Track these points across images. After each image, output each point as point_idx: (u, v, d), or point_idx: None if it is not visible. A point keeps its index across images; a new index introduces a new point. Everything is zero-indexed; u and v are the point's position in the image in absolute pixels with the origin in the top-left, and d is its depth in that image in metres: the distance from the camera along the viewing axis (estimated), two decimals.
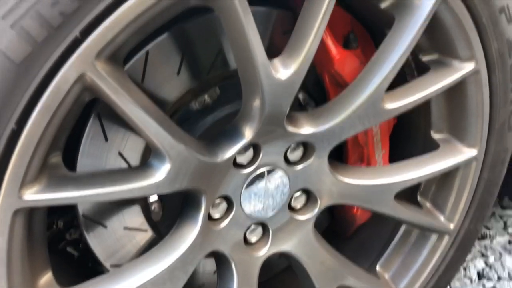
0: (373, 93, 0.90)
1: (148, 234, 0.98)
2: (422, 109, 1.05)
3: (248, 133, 0.86)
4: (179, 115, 0.95)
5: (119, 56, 0.69)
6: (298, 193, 0.99)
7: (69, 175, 0.72)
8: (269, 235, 0.98)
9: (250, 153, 0.90)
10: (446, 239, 1.14)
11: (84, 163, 0.87)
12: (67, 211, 1.12)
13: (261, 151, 0.89)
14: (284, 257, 1.02)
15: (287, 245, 1.00)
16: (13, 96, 0.61)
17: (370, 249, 1.19)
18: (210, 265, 1.09)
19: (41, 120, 0.63)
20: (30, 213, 0.71)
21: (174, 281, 0.84)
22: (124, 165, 0.91)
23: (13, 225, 0.66)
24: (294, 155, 0.95)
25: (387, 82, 0.90)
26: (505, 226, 1.61)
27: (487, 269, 1.45)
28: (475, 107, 1.02)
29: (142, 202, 0.96)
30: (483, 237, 1.57)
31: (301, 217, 1.00)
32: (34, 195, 0.66)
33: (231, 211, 0.92)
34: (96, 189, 0.71)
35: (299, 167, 0.95)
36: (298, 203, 1.01)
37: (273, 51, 0.94)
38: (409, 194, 1.14)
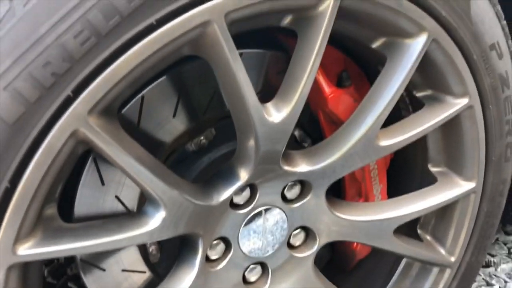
0: (368, 131, 0.90)
1: (146, 275, 0.98)
2: (419, 143, 1.05)
3: (243, 175, 0.86)
4: (175, 157, 0.96)
5: (112, 108, 0.70)
6: (296, 231, 0.99)
7: (64, 226, 0.73)
8: (268, 273, 0.98)
9: (246, 193, 0.90)
10: (448, 272, 1.13)
11: (81, 208, 0.88)
12: None
13: (257, 191, 0.90)
14: None
15: (287, 283, 0.99)
16: (6, 155, 0.62)
17: (372, 283, 1.18)
18: None
19: (35, 177, 0.64)
20: (25, 265, 0.71)
21: None
22: (121, 208, 0.91)
23: (8, 280, 0.66)
24: (291, 193, 0.95)
25: (381, 120, 0.90)
26: (509, 253, 1.59)
27: None
28: (471, 141, 1.02)
29: (140, 244, 0.96)
30: (487, 264, 1.55)
31: (300, 255, 0.99)
32: (29, 250, 0.67)
33: (229, 252, 0.92)
34: (91, 240, 0.71)
35: (297, 204, 0.95)
36: (297, 241, 1.00)
37: (267, 91, 0.96)
38: (408, 227, 1.13)
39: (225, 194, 0.86)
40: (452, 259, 1.11)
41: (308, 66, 0.79)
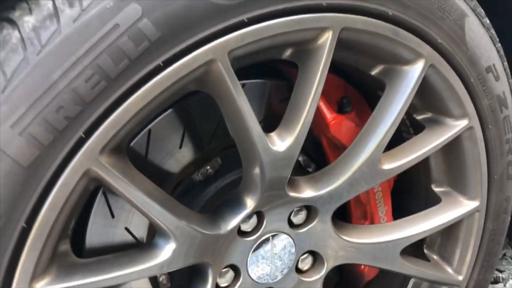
0: (371, 155, 0.92)
1: None
2: (421, 164, 1.06)
3: (250, 203, 0.88)
4: (183, 187, 0.97)
5: (122, 145, 0.72)
6: (304, 255, 1.00)
7: (78, 262, 0.74)
8: None
9: (253, 220, 0.92)
10: None
11: (92, 241, 0.89)
12: None
13: (264, 218, 0.91)
14: None
15: None
16: (22, 197, 0.64)
17: None
18: None
19: (50, 216, 0.66)
20: None
21: None
22: (131, 239, 0.93)
23: None
24: (297, 218, 0.96)
25: (383, 144, 0.92)
26: None
27: None
28: (473, 161, 1.03)
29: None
30: (496, 281, 1.55)
31: (308, 279, 1.00)
32: (45, 287, 0.68)
33: (239, 279, 0.93)
34: (104, 274, 0.73)
35: (304, 230, 0.96)
36: (305, 265, 1.01)
37: (269, 119, 0.98)
38: (415, 248, 1.14)
39: (233, 222, 0.87)
40: (460, 278, 1.12)
41: (310, 97, 0.81)
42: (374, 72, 0.92)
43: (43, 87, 0.62)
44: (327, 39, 0.78)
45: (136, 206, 0.73)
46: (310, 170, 1.09)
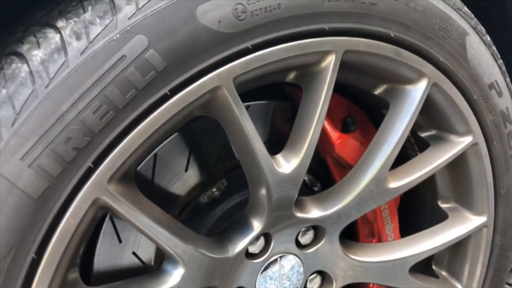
0: (377, 174, 0.92)
1: None
2: (428, 180, 1.06)
3: (257, 225, 0.88)
4: (189, 210, 0.97)
5: (129, 173, 0.72)
6: (313, 275, 0.99)
7: None
8: None
9: (261, 242, 0.92)
10: None
11: (100, 266, 0.89)
12: None
13: (272, 239, 0.91)
14: None
15: None
16: (32, 228, 0.64)
17: None
18: None
19: (59, 246, 0.66)
20: None
21: None
22: (138, 264, 0.93)
23: None
24: (305, 239, 0.96)
25: (389, 163, 0.93)
26: None
27: None
28: (479, 177, 1.03)
29: None
30: None
31: None
32: None
33: None
34: None
35: (311, 250, 0.96)
36: (313, 285, 1.01)
37: (274, 140, 0.99)
38: (423, 264, 1.13)
39: (240, 245, 0.87)
40: None
41: (314, 119, 0.82)
42: (377, 91, 0.93)
43: (52, 119, 0.62)
44: (330, 62, 0.79)
45: (144, 232, 0.73)
46: (316, 189, 1.09)
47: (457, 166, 1.04)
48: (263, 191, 0.84)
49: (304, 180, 1.08)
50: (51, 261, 0.66)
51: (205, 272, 0.83)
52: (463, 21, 0.90)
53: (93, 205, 0.67)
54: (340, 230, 0.96)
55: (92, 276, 0.90)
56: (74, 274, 0.73)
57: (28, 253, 0.64)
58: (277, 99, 1.01)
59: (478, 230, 1.08)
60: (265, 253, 0.91)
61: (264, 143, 0.81)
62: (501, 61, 0.99)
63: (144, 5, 0.65)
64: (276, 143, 0.92)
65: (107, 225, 0.90)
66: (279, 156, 0.85)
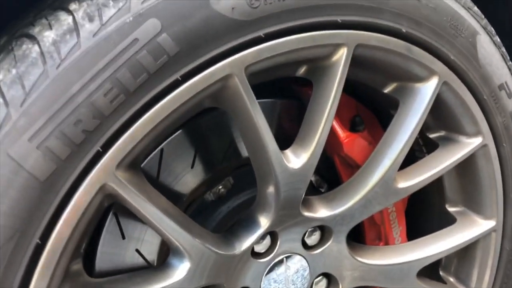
0: (386, 174, 0.91)
1: None
2: (435, 183, 1.05)
3: (264, 222, 0.86)
4: (195, 207, 0.96)
5: (137, 162, 0.71)
6: (318, 278, 0.98)
7: (91, 281, 0.72)
8: None
9: (267, 241, 0.90)
10: None
11: (102, 262, 0.88)
12: None
13: (278, 238, 0.89)
14: None
15: None
16: (38, 212, 0.63)
17: None
18: None
19: (64, 233, 0.64)
20: None
21: None
22: (141, 261, 0.91)
23: None
24: (311, 239, 0.95)
25: (398, 163, 0.91)
26: None
27: None
28: (488, 179, 1.02)
29: None
30: None
31: None
32: None
33: None
34: None
35: (318, 251, 0.94)
36: None
37: (280, 138, 0.97)
38: (430, 270, 1.11)
39: (247, 242, 0.86)
40: None
41: (325, 113, 0.81)
42: (387, 89, 0.92)
43: (62, 100, 0.61)
44: (342, 56, 0.78)
45: (151, 223, 0.72)
46: (323, 190, 1.08)
47: (466, 169, 1.03)
48: (271, 187, 0.83)
49: (311, 181, 1.07)
50: (55, 248, 0.64)
51: (211, 269, 0.81)
52: (474, 21, 0.90)
53: (100, 191, 0.66)
54: (347, 232, 0.95)
55: (95, 273, 0.87)
56: (78, 266, 0.71)
57: (33, 238, 0.63)
58: (284, 98, 1.01)
59: (487, 235, 1.06)
60: (271, 252, 0.90)
61: None
62: (511, 62, 0.98)
63: None
64: (282, 142, 0.91)
65: (110, 220, 0.88)
66: (288, 151, 0.83)
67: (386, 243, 1.09)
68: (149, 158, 0.89)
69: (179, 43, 0.65)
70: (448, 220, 1.08)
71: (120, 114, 0.64)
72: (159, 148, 0.90)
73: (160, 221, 0.72)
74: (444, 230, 1.06)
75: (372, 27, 0.79)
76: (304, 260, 0.94)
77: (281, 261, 0.91)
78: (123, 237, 0.90)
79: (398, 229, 1.09)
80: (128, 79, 0.63)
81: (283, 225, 0.88)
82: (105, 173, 0.65)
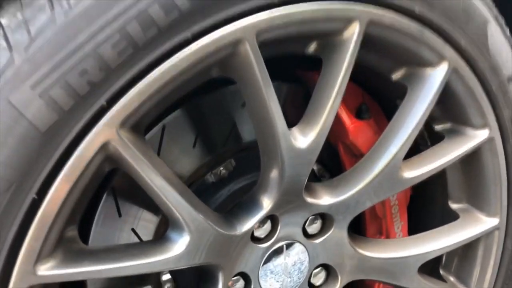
0: (392, 161, 0.89)
1: None
2: (438, 179, 1.04)
3: (266, 204, 0.84)
4: (195, 188, 0.93)
5: (141, 125, 0.69)
6: (317, 269, 0.95)
7: (85, 249, 0.69)
8: None
9: (268, 226, 0.88)
10: None
11: (96, 237, 0.85)
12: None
13: (279, 224, 0.87)
14: None
15: None
16: (36, 165, 0.60)
17: None
18: None
19: (62, 190, 0.61)
20: None
21: None
22: (136, 241, 0.88)
23: None
24: (312, 228, 0.92)
25: (404, 150, 0.90)
26: None
27: None
28: (493, 175, 1.00)
29: (154, 281, 0.91)
30: None
31: None
32: (50, 271, 0.63)
33: None
34: (113, 264, 0.68)
35: (318, 240, 0.92)
36: (318, 280, 0.96)
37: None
38: (430, 269, 1.09)
39: (248, 224, 0.83)
40: None
41: (333, 92, 0.79)
42: (395, 75, 0.91)
43: (69, 48, 0.59)
44: (353, 32, 0.77)
45: (153, 191, 0.69)
46: (325, 180, 1.06)
47: (470, 164, 1.01)
48: (276, 166, 0.81)
49: (313, 170, 1.05)
50: (52, 206, 0.61)
51: (210, 247, 0.78)
52: (486, 8, 0.89)
53: (102, 150, 0.63)
54: (349, 222, 0.92)
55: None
56: (73, 232, 0.68)
57: (29, 193, 0.60)
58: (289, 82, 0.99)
59: (489, 233, 1.04)
60: (271, 238, 0.87)
61: None
62: None
63: None
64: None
65: (107, 196, 0.86)
66: (295, 129, 0.81)
67: (387, 238, 1.07)
68: (150, 134, 0.87)
69: None
70: (450, 217, 1.06)
71: (127, 68, 0.62)
72: (161, 124, 0.88)
73: (163, 189, 0.69)
74: (446, 226, 1.04)
75: (385, 4, 0.78)
76: (304, 249, 0.91)
77: (280, 250, 0.89)
78: (120, 215, 0.87)
79: (399, 223, 1.07)
80: (138, 32, 0.61)
81: (284, 209, 0.85)
82: (109, 129, 0.62)
